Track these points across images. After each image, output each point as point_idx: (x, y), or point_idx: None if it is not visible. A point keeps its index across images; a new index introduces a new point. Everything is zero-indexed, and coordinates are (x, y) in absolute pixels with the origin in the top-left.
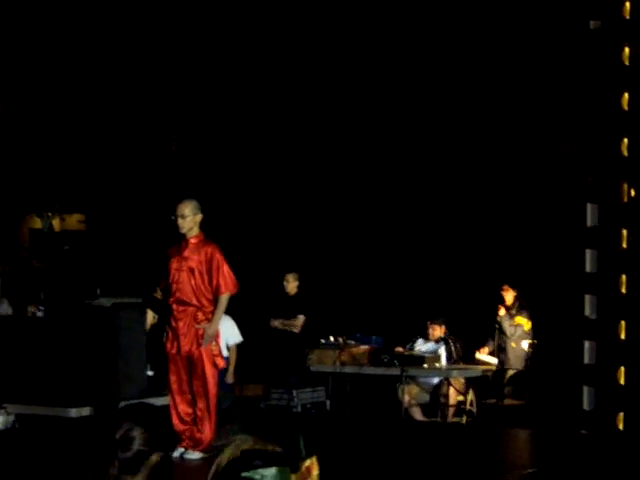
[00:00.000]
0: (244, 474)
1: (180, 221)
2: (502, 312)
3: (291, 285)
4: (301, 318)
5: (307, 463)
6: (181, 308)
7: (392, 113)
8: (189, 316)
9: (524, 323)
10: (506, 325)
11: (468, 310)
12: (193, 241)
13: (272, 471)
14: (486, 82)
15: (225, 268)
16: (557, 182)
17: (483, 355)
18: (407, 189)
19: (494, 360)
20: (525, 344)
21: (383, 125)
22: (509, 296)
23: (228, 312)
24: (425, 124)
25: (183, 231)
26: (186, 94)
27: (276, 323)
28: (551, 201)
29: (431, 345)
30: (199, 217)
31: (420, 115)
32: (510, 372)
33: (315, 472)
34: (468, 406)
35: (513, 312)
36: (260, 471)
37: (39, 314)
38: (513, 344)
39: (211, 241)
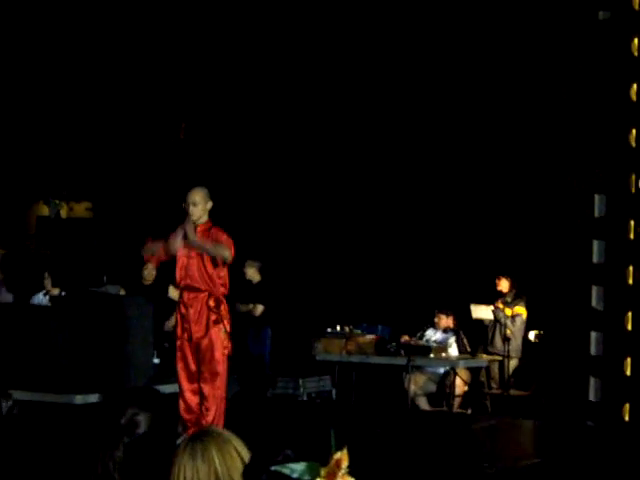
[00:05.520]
0: (274, 468)
1: (192, 209)
2: (500, 305)
3: (249, 272)
4: (260, 307)
5: (337, 456)
6: (192, 295)
7: (393, 98)
8: (200, 302)
9: (522, 312)
10: (501, 317)
11: (472, 301)
12: (201, 228)
13: (302, 465)
14: (490, 73)
15: (224, 237)
16: (564, 174)
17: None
18: (413, 178)
19: (488, 309)
20: (531, 334)
21: (386, 112)
22: (504, 285)
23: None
24: (430, 110)
25: (194, 218)
26: (194, 83)
27: (239, 307)
28: (558, 192)
29: (441, 334)
30: (209, 205)
31: (424, 100)
32: (513, 362)
33: (345, 464)
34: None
35: (508, 300)
36: (290, 465)
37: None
38: (509, 333)
39: (217, 226)
